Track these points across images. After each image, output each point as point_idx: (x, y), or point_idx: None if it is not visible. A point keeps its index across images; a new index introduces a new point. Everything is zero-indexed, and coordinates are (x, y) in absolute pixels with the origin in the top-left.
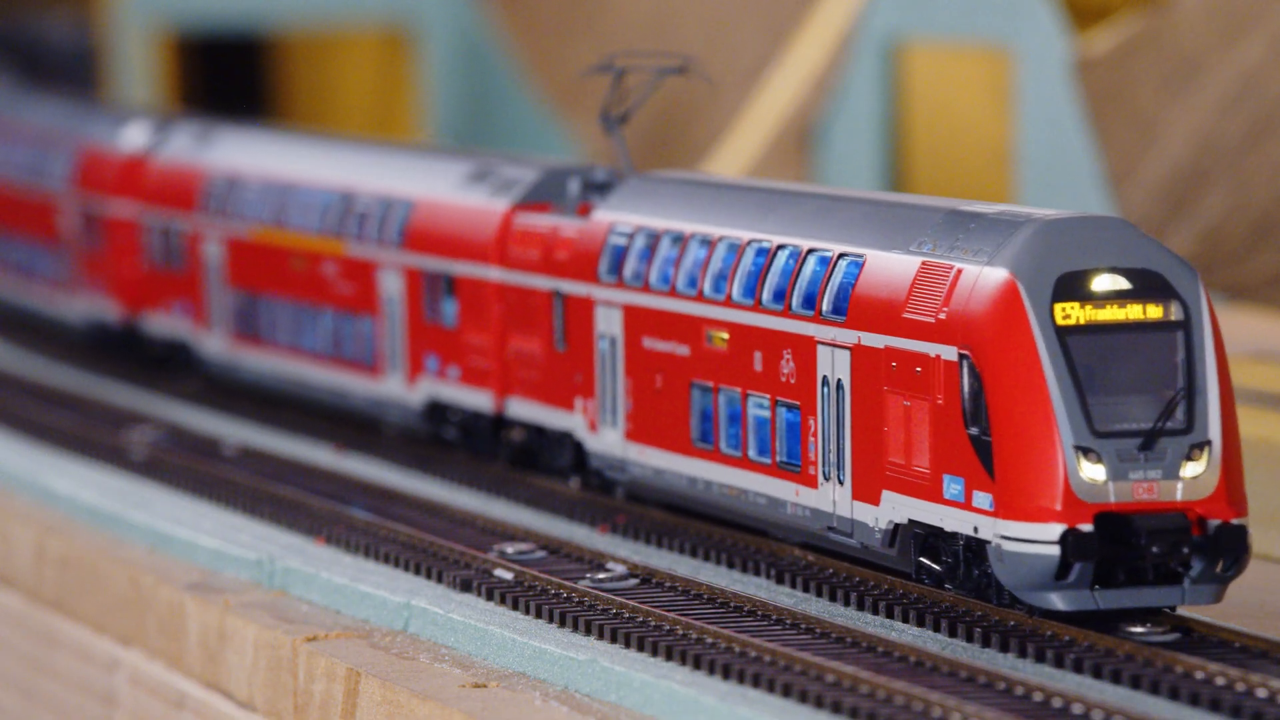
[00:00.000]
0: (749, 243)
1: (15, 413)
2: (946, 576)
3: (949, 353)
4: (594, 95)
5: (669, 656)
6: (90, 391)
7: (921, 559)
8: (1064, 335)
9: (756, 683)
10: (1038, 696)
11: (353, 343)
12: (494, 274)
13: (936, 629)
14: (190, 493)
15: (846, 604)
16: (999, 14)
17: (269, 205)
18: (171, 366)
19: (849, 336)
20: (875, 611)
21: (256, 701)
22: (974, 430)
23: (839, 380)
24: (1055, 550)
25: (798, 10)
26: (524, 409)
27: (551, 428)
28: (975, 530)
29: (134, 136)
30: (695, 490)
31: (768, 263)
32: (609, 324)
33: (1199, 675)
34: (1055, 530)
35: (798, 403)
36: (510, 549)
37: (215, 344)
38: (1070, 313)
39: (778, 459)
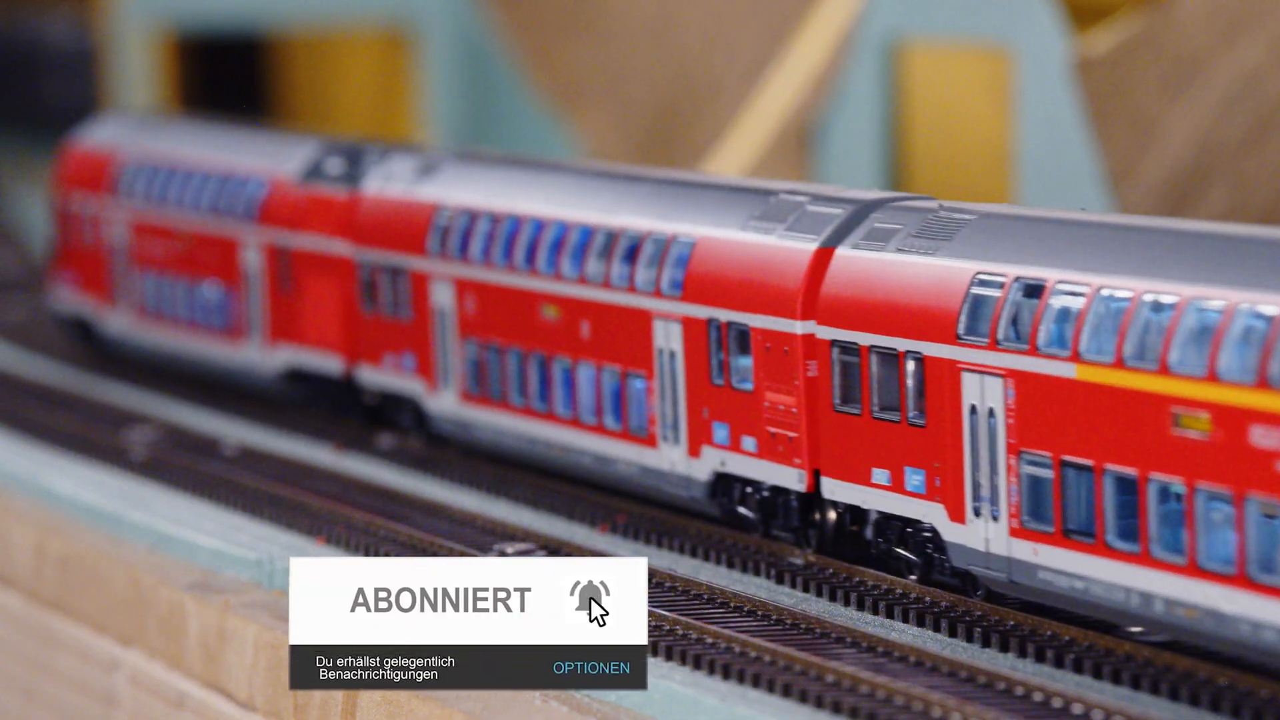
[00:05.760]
0: None
1: (15, 413)
2: None
3: None
4: (594, 95)
5: (669, 656)
6: (90, 391)
7: None
8: None
9: (756, 683)
10: (1038, 696)
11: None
12: None
13: (936, 629)
14: (190, 493)
15: (846, 604)
16: (999, 14)
17: None
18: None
19: None
20: (875, 611)
21: (256, 701)
22: None
23: None
24: None
25: (798, 10)
26: None
27: None
28: None
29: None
30: None
31: None
32: None
33: (1199, 675)
34: None
35: None
36: (510, 549)
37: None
38: None
39: None
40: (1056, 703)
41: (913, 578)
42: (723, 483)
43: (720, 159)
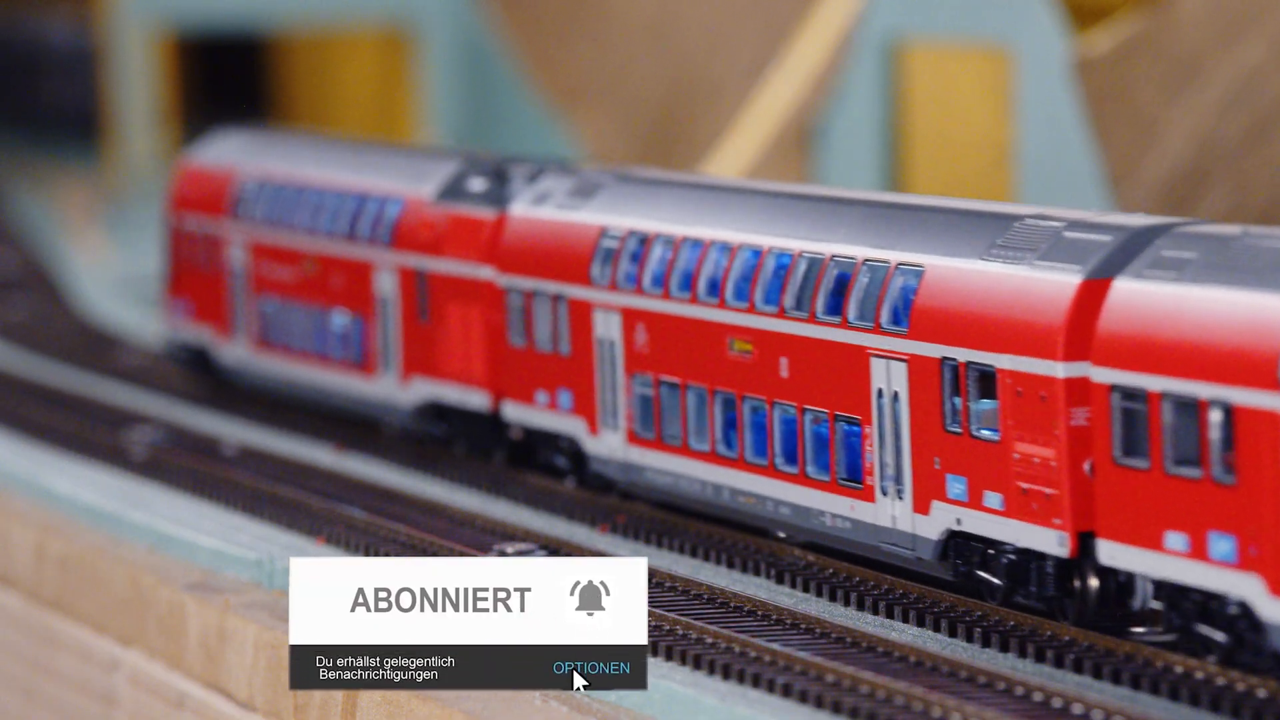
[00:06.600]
0: None
1: (15, 413)
2: None
3: None
4: (594, 95)
5: (669, 656)
6: (90, 391)
7: None
8: None
9: (756, 683)
10: (1038, 696)
11: None
12: None
13: (936, 629)
14: (190, 493)
15: (846, 604)
16: (999, 14)
17: None
18: None
19: None
20: (875, 611)
21: (256, 701)
22: None
23: None
24: None
25: (798, 10)
26: None
27: None
28: None
29: None
30: None
31: None
32: None
33: (1199, 675)
34: None
35: None
36: (510, 549)
37: None
38: None
39: None
40: (1056, 703)
41: (1211, 658)
42: (957, 543)
43: (720, 159)
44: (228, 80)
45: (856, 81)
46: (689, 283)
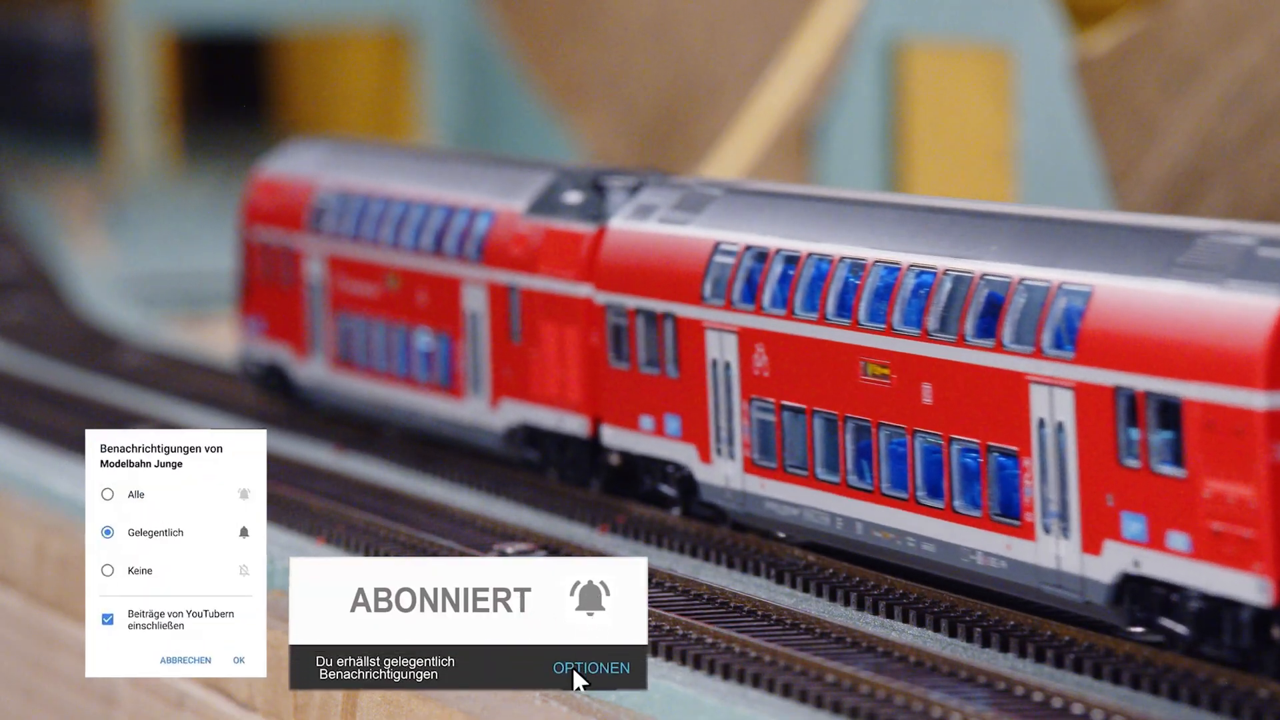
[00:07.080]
0: None
1: (15, 413)
2: None
3: None
4: (594, 95)
5: (669, 656)
6: (90, 391)
7: None
8: None
9: (756, 683)
10: (1038, 696)
11: None
12: None
13: (936, 629)
14: None
15: (846, 604)
16: (999, 14)
17: None
18: None
19: None
20: (875, 611)
21: (256, 702)
22: None
23: None
24: None
25: (798, 10)
26: None
27: None
28: None
29: None
30: None
31: None
32: None
33: (1199, 675)
34: None
35: None
36: (510, 549)
37: None
38: None
39: None
40: (1056, 703)
41: None
42: (1133, 587)
43: (720, 159)
44: (228, 80)
45: (856, 81)
46: (815, 301)
